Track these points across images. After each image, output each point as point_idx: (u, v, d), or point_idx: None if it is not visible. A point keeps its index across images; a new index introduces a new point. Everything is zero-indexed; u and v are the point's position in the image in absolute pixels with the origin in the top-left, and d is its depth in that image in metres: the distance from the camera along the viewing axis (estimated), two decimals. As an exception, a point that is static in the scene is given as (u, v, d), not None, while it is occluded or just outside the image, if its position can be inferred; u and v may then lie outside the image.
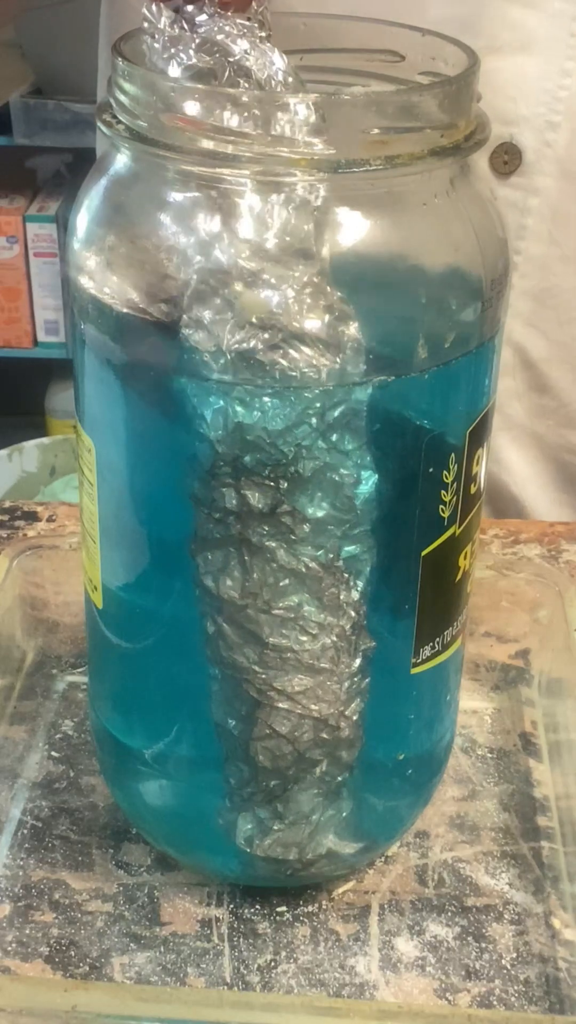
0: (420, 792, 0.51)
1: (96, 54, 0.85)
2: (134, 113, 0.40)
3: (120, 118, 0.41)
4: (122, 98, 0.41)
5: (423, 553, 0.44)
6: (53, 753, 0.57)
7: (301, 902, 0.50)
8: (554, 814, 0.54)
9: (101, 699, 0.51)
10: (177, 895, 0.50)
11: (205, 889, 0.51)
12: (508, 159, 0.71)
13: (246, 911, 0.50)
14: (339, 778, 0.46)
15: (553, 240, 0.75)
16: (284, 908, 0.50)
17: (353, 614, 0.43)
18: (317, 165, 0.38)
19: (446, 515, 0.44)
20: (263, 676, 0.43)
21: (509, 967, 0.48)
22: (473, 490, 0.45)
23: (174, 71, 0.40)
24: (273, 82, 0.40)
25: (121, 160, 0.42)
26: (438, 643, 0.46)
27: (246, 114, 0.38)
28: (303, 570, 0.41)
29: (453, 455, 0.43)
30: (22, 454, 1.77)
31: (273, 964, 0.48)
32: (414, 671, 0.46)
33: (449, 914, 0.50)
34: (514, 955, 0.48)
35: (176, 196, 0.40)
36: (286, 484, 0.40)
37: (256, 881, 0.50)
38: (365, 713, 0.45)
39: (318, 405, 0.39)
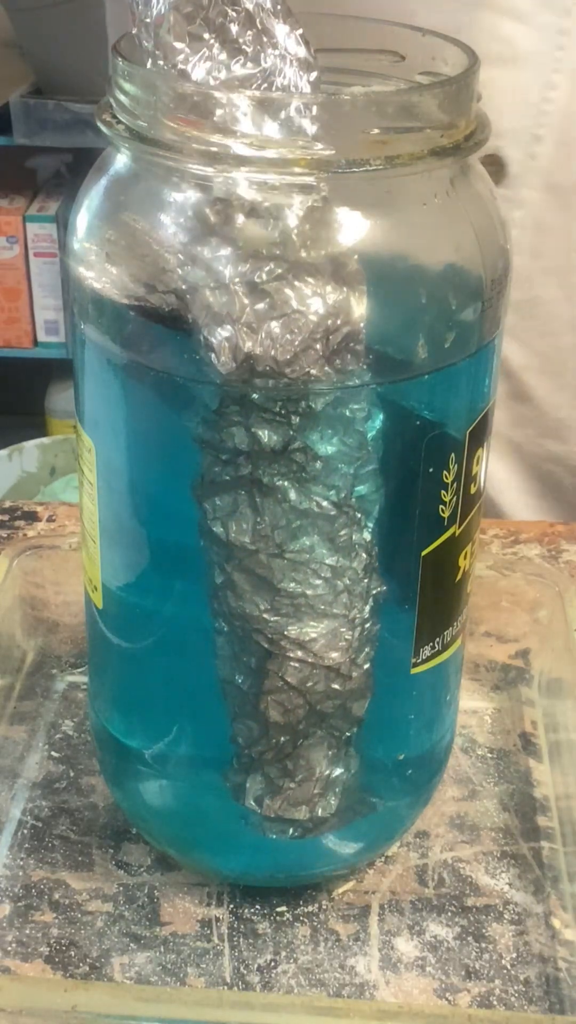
0: (420, 792, 0.51)
1: (97, 54, 0.85)
2: (134, 113, 0.40)
3: (120, 118, 0.41)
4: (122, 98, 0.41)
5: (423, 553, 0.44)
6: (53, 753, 0.57)
7: (301, 902, 0.50)
8: (554, 814, 0.54)
9: (101, 699, 0.51)
10: (177, 895, 0.50)
11: (205, 889, 0.51)
12: (493, 171, 0.72)
13: (246, 911, 0.50)
14: (348, 732, 0.45)
15: (536, 252, 0.75)
16: (284, 908, 0.50)
17: (365, 556, 0.42)
18: (317, 165, 0.38)
19: (446, 515, 0.44)
20: (274, 624, 0.42)
21: (509, 967, 0.48)
22: (473, 490, 0.45)
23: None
24: (262, 11, 0.40)
25: (121, 160, 0.42)
26: (438, 643, 0.47)
27: (246, 113, 0.38)
28: (315, 510, 0.41)
29: (453, 455, 0.43)
30: (22, 454, 1.77)
31: (273, 964, 0.48)
32: (414, 671, 0.46)
33: (449, 914, 0.50)
34: (514, 955, 0.48)
35: (176, 196, 0.40)
36: (298, 419, 0.40)
37: (256, 881, 0.50)
38: (374, 664, 0.44)
39: (321, 331, 0.39)
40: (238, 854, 0.49)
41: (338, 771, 0.46)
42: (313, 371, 0.39)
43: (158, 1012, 0.42)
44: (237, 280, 0.38)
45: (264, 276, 0.38)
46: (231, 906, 0.50)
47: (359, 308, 0.39)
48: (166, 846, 0.51)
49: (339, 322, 0.39)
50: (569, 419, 0.80)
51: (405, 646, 0.46)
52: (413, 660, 0.46)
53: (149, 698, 0.48)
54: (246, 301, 0.38)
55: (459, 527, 0.45)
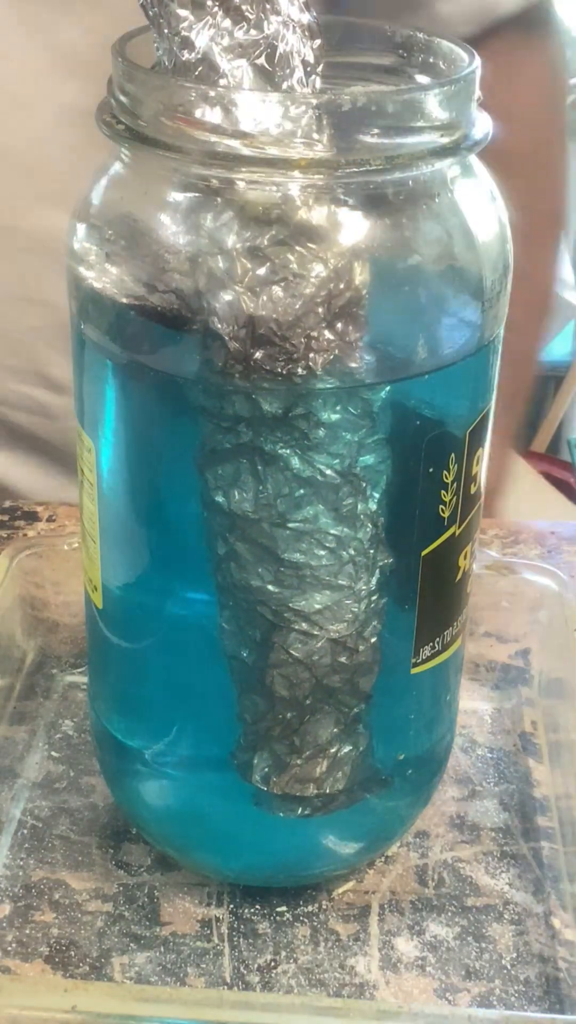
0: (420, 792, 0.51)
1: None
2: (134, 113, 0.40)
3: (120, 118, 0.41)
4: (122, 98, 0.41)
5: (423, 553, 0.44)
6: (53, 753, 0.57)
7: (301, 902, 0.50)
8: (554, 814, 0.54)
9: (101, 699, 0.51)
10: (177, 895, 0.50)
11: (205, 889, 0.51)
12: None
13: (246, 911, 0.50)
14: (356, 708, 0.45)
15: None
16: (284, 908, 0.50)
17: (370, 526, 0.42)
18: (317, 165, 0.38)
19: (446, 515, 0.44)
20: (278, 596, 0.42)
21: (509, 967, 0.48)
22: (473, 490, 0.45)
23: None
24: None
25: (121, 160, 0.42)
26: (438, 643, 0.46)
27: (247, 113, 0.38)
28: (319, 479, 0.40)
29: (453, 455, 0.43)
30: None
31: (273, 964, 0.48)
32: (414, 671, 0.46)
33: (449, 914, 0.50)
34: (514, 955, 0.48)
35: (176, 196, 0.40)
36: (299, 380, 0.39)
37: (256, 881, 0.50)
38: (380, 638, 0.44)
39: (323, 295, 0.39)
40: (238, 854, 0.49)
41: (346, 748, 0.45)
42: (314, 335, 0.38)
43: (158, 1012, 0.42)
44: (239, 246, 0.38)
45: (266, 241, 0.38)
46: (231, 906, 0.50)
47: (362, 274, 0.39)
48: (166, 846, 0.51)
49: (341, 287, 0.38)
50: None
51: (405, 646, 0.46)
52: (413, 660, 0.46)
53: (149, 698, 0.48)
54: (248, 266, 0.38)
55: (459, 527, 0.45)
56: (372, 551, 0.42)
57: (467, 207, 0.42)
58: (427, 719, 0.49)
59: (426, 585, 0.45)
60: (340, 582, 0.42)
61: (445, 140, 0.40)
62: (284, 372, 0.39)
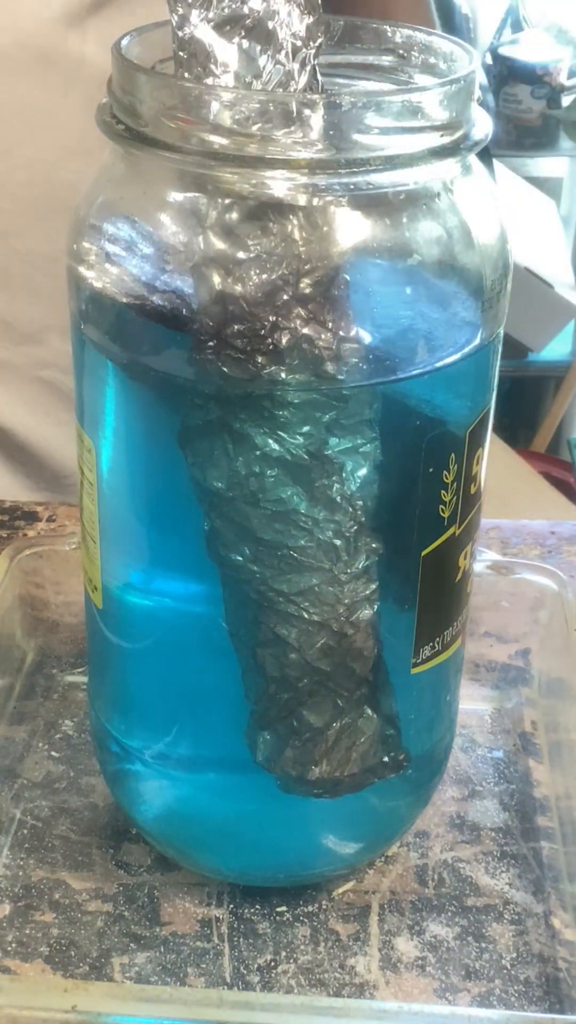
0: (420, 792, 0.51)
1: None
2: (134, 113, 0.40)
3: (120, 118, 0.41)
4: (122, 98, 0.41)
5: (423, 553, 0.44)
6: (53, 753, 0.57)
7: (301, 902, 0.50)
8: (554, 814, 0.54)
9: (101, 699, 0.51)
10: (177, 895, 0.50)
11: (205, 889, 0.51)
12: None
13: (246, 911, 0.50)
14: (356, 693, 0.44)
15: None
16: (284, 908, 0.50)
17: (350, 510, 0.41)
18: (317, 165, 0.38)
19: (446, 515, 0.44)
20: (260, 576, 0.42)
21: (509, 967, 0.48)
22: (473, 490, 0.45)
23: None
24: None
25: (121, 160, 0.42)
26: (438, 643, 0.46)
27: (247, 113, 0.38)
28: (288, 459, 0.40)
29: (453, 455, 0.43)
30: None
31: (273, 964, 0.48)
32: (414, 671, 0.46)
33: (449, 914, 0.50)
34: (514, 955, 0.48)
35: (176, 195, 0.40)
36: (263, 359, 0.39)
37: (256, 881, 0.50)
38: (378, 624, 0.43)
39: (293, 273, 0.39)
40: (238, 854, 0.49)
41: (350, 732, 0.45)
42: (284, 313, 0.38)
43: (158, 1012, 0.42)
44: (212, 222, 0.38)
45: (236, 218, 0.38)
46: (231, 906, 0.50)
47: (335, 253, 0.39)
48: (166, 846, 0.51)
49: (315, 265, 0.38)
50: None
51: (405, 646, 0.46)
52: (413, 660, 0.46)
53: (149, 698, 0.48)
54: (221, 243, 0.38)
55: (459, 527, 0.45)
56: (353, 535, 0.42)
57: (467, 207, 0.42)
58: (427, 719, 0.49)
59: (426, 585, 0.45)
60: (321, 564, 0.41)
61: (445, 140, 0.40)
62: (249, 351, 0.38)
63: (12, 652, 0.61)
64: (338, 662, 0.43)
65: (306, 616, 0.42)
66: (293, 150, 0.38)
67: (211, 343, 0.39)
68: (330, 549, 0.41)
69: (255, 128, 0.38)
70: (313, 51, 0.40)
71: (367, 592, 0.43)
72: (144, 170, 0.41)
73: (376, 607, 0.43)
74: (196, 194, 0.39)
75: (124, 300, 0.40)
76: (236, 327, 0.38)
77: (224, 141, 0.38)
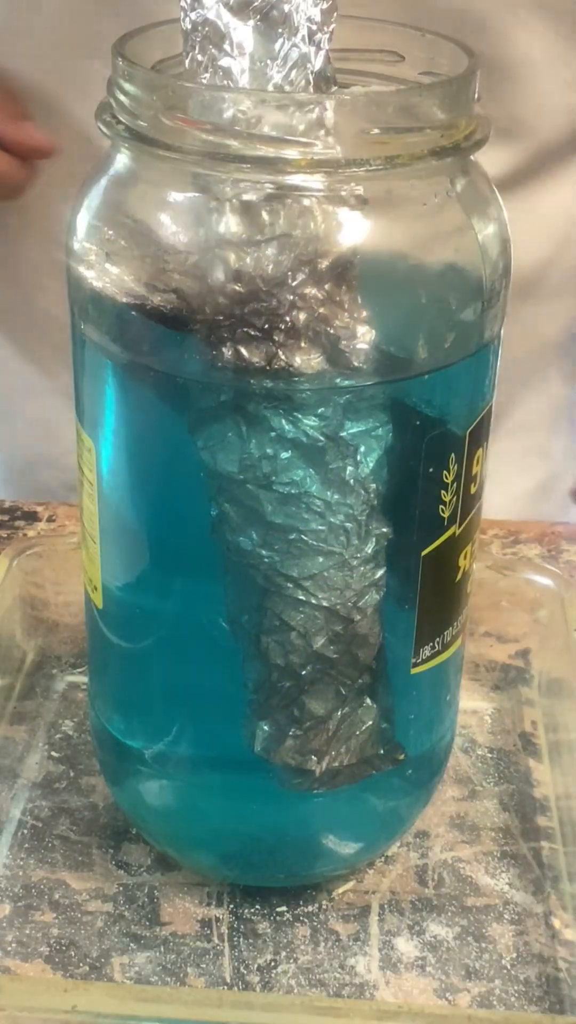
0: (420, 792, 0.51)
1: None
2: (134, 113, 0.40)
3: (120, 118, 0.41)
4: (122, 98, 0.41)
5: (423, 553, 0.44)
6: (53, 753, 0.57)
7: (301, 902, 0.50)
8: (554, 814, 0.54)
9: (101, 699, 0.51)
10: (177, 895, 0.50)
11: (205, 889, 0.51)
12: None
13: (246, 911, 0.50)
14: (358, 682, 0.44)
15: None
16: (284, 908, 0.50)
17: (363, 493, 0.41)
18: (317, 165, 0.38)
19: (446, 515, 0.44)
20: (268, 560, 0.41)
21: (509, 967, 0.48)
22: (473, 490, 0.45)
23: None
24: None
25: (121, 160, 0.42)
26: (438, 643, 0.47)
27: (247, 113, 0.38)
28: (303, 440, 0.40)
29: (453, 455, 0.43)
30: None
31: (273, 964, 0.48)
32: (414, 671, 0.46)
33: (449, 914, 0.50)
34: (514, 955, 0.48)
35: (176, 195, 0.40)
36: (281, 337, 0.39)
37: (256, 881, 0.50)
38: (382, 611, 0.43)
39: (310, 253, 0.38)
40: (238, 854, 0.49)
41: (350, 722, 0.45)
42: (300, 294, 0.38)
43: (158, 1012, 0.42)
44: (231, 207, 0.38)
45: (255, 197, 0.38)
46: (231, 906, 0.50)
47: (350, 241, 0.38)
48: (166, 846, 0.51)
49: (330, 246, 0.38)
50: None
51: (405, 646, 0.46)
52: (413, 660, 0.46)
53: (149, 698, 0.48)
54: (237, 221, 0.38)
55: (459, 527, 0.45)
56: (365, 519, 0.42)
57: (467, 207, 0.42)
58: (427, 719, 0.49)
59: (426, 585, 0.45)
60: (331, 548, 0.41)
61: (445, 140, 0.40)
62: (267, 329, 0.38)
63: (12, 652, 0.61)
64: (343, 649, 0.43)
65: (314, 601, 0.42)
66: (293, 150, 0.38)
67: (227, 323, 0.38)
68: (341, 533, 0.41)
69: (255, 128, 0.38)
70: (328, 35, 0.40)
71: (375, 577, 0.43)
72: (144, 170, 0.41)
73: (383, 593, 0.43)
74: (196, 194, 0.39)
75: (124, 300, 0.40)
76: (253, 305, 0.38)
77: (224, 141, 0.38)
